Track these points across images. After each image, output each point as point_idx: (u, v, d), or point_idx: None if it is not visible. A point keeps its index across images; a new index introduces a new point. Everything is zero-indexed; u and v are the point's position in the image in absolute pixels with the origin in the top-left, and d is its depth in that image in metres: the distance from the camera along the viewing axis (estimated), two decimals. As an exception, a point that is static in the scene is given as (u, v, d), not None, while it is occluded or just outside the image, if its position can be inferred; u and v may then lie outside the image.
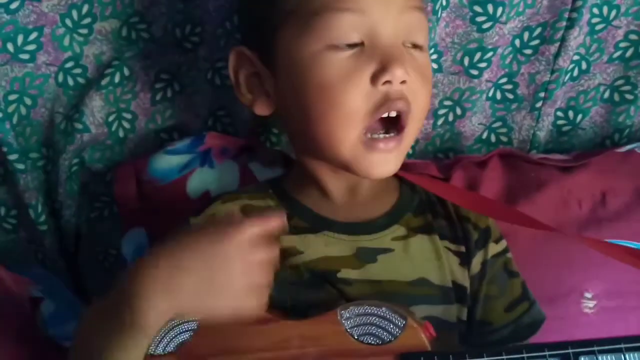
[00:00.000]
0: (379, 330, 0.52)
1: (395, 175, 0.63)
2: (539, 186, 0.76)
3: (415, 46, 0.58)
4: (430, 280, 0.60)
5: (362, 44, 0.55)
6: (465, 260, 0.62)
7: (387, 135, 0.56)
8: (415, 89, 0.56)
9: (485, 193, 0.77)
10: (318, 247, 0.59)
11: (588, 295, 0.72)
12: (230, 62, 0.61)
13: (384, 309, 0.52)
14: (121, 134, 0.80)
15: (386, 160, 0.57)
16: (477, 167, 0.78)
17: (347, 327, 0.52)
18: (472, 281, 0.62)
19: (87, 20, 0.74)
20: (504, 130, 0.86)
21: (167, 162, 0.74)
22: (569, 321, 0.72)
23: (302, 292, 0.57)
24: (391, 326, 0.52)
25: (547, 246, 0.74)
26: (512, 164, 0.79)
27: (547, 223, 0.75)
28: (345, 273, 0.58)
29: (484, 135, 0.86)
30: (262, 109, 0.61)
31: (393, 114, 0.55)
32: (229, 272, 0.49)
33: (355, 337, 0.52)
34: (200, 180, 0.73)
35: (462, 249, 0.62)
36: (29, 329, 0.69)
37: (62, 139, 0.78)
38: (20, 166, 0.76)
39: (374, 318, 0.52)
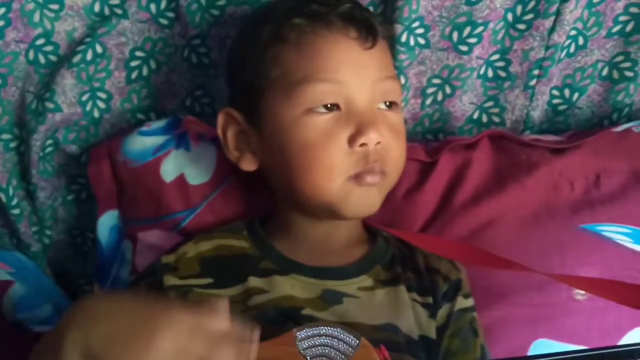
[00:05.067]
0: (332, 350, 0.52)
1: (370, 228, 0.68)
2: (530, 168, 0.73)
3: (390, 105, 0.63)
4: (398, 326, 0.60)
5: (338, 107, 0.60)
6: (433, 312, 0.63)
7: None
8: (389, 146, 0.62)
9: (474, 176, 0.74)
10: (284, 287, 0.61)
11: (580, 281, 0.70)
12: (219, 121, 0.66)
13: (338, 329, 0.53)
14: (96, 114, 0.77)
15: (368, 194, 0.62)
16: (466, 150, 0.75)
17: (301, 349, 0.52)
18: (436, 333, 0.63)
19: (58, -5, 0.72)
20: (496, 110, 0.82)
21: (141, 142, 0.72)
22: (560, 308, 0.69)
23: (266, 328, 0.55)
24: (345, 346, 0.53)
25: (538, 231, 0.71)
26: (502, 146, 0.76)
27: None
28: (310, 311, 0.59)
29: (475, 115, 0.83)
30: (247, 165, 0.65)
31: None
32: (152, 348, 0.43)
33: (309, 359, 0.52)
34: (175, 163, 0.71)
35: (430, 300, 0.64)
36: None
37: (33, 119, 0.75)
38: (-9, 149, 0.74)
39: (327, 339, 0.53)
